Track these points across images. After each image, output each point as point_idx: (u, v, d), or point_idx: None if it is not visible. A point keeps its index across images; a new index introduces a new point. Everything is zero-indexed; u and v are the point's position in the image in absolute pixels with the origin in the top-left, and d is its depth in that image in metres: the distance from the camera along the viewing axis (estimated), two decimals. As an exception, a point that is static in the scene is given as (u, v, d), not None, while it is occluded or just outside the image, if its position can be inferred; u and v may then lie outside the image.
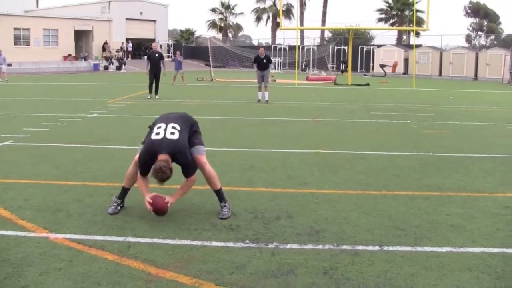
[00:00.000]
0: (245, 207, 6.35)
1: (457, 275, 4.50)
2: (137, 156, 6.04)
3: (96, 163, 8.79)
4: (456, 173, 8.41)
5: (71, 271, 4.45)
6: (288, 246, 5.14)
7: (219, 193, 6.24)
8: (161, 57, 21.69)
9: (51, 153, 9.63)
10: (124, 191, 6.33)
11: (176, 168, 5.83)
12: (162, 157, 5.66)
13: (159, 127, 5.91)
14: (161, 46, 61.05)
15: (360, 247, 5.11)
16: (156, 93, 21.35)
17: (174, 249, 5.00)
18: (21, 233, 5.36)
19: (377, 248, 5.11)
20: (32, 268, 4.49)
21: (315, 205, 6.55)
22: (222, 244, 5.17)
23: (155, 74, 21.32)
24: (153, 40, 58.04)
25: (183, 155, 5.81)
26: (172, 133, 5.83)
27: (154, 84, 21.33)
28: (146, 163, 5.81)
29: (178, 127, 5.92)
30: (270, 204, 6.55)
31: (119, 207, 6.24)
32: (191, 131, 6.17)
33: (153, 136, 5.82)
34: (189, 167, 5.93)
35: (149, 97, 21.12)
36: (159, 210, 5.76)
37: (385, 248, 5.11)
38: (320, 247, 5.12)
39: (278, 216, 6.06)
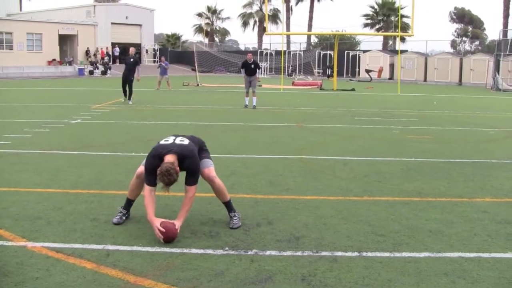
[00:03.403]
0: (226, 214, 6.31)
1: (434, 280, 4.53)
2: (140, 168, 5.94)
3: (77, 170, 8.74)
4: (436, 179, 8.47)
5: (48, 281, 4.43)
6: (268, 253, 5.15)
7: (228, 204, 6.15)
8: (136, 62, 21.61)
9: (33, 160, 9.58)
10: (129, 202, 6.18)
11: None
12: (169, 158, 5.50)
13: (167, 139, 5.85)
14: (147, 51, 61.03)
15: (339, 253, 5.13)
16: (129, 98, 21.24)
17: (153, 257, 5.00)
18: (-1, 242, 5.33)
19: (356, 254, 5.13)
20: (8, 278, 4.46)
21: (296, 211, 6.57)
22: (201, 251, 5.16)
23: (126, 79, 21.27)
24: (139, 45, 57.98)
25: (192, 160, 5.66)
26: (182, 140, 5.80)
27: (127, 89, 21.31)
28: (153, 170, 5.54)
29: (186, 140, 5.86)
30: (251, 210, 6.56)
31: (124, 217, 6.10)
32: (200, 148, 6.08)
33: (161, 142, 5.78)
34: (196, 173, 5.74)
35: (122, 100, 21.14)
36: (171, 238, 5.39)
37: (364, 254, 5.13)
38: (299, 253, 5.13)
39: (259, 223, 6.07)
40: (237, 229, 5.82)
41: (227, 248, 5.26)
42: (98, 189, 7.52)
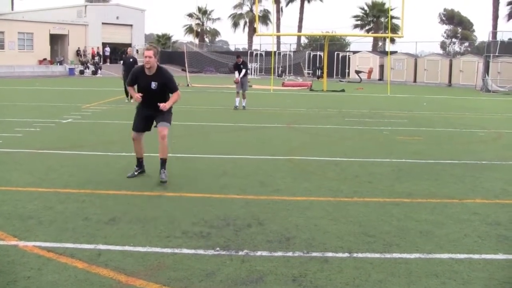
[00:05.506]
0: (217, 214, 6.36)
1: (424, 281, 4.57)
2: (132, 134, 8.23)
3: (68, 170, 8.73)
4: (427, 180, 8.51)
5: (40, 280, 4.42)
6: (258, 253, 5.16)
7: (163, 161, 7.85)
8: (135, 62, 21.72)
9: (24, 159, 9.55)
10: (138, 160, 8.23)
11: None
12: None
13: None
14: (137, 51, 60.84)
15: (330, 254, 5.16)
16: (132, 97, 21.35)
17: (145, 257, 5.00)
18: (-10, 242, 5.31)
19: (346, 255, 5.16)
20: (0, 277, 4.46)
21: (287, 212, 6.59)
22: (192, 251, 5.17)
23: None
24: (129, 45, 57.80)
25: (168, 72, 7.98)
26: None
27: None
28: (133, 76, 8.09)
29: None
30: (242, 211, 6.57)
31: (136, 173, 8.14)
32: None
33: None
34: (174, 82, 8.04)
35: (127, 100, 21.16)
36: None
37: (355, 255, 5.16)
38: (290, 254, 5.15)
39: (250, 223, 6.08)
40: (228, 230, 5.83)
41: (218, 248, 5.27)
42: (89, 188, 7.50)
